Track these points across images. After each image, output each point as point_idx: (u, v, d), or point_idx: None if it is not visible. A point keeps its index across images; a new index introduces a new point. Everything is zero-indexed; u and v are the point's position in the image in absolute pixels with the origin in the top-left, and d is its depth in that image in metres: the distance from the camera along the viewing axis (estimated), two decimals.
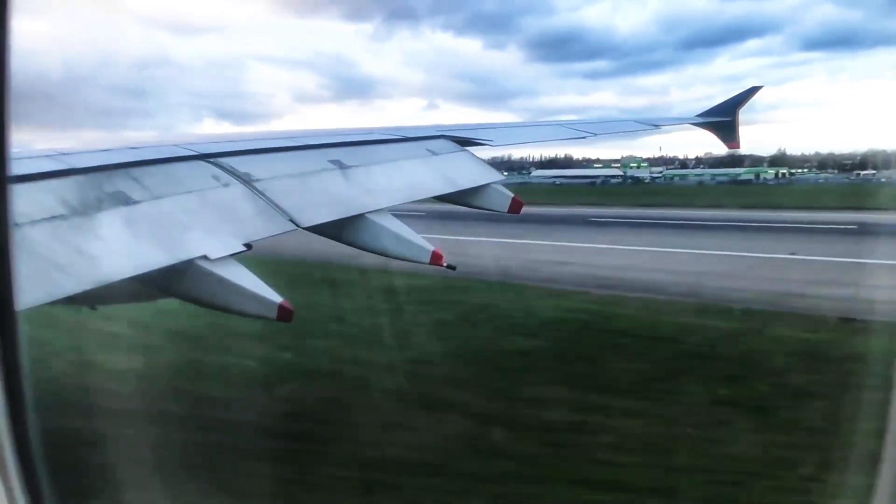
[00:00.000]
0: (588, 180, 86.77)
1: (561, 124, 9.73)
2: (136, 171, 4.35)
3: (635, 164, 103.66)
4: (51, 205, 3.59)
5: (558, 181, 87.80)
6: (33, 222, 3.37)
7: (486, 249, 21.51)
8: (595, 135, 9.73)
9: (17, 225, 2.89)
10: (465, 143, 7.33)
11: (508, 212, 6.66)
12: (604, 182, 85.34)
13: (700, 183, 78.73)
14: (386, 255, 5.57)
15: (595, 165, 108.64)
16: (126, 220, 3.95)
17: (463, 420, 8.09)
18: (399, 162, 6.53)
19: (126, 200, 4.05)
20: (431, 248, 5.43)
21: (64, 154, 4.18)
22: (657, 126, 11.36)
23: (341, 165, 5.80)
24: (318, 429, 7.94)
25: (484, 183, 6.71)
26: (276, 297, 4.10)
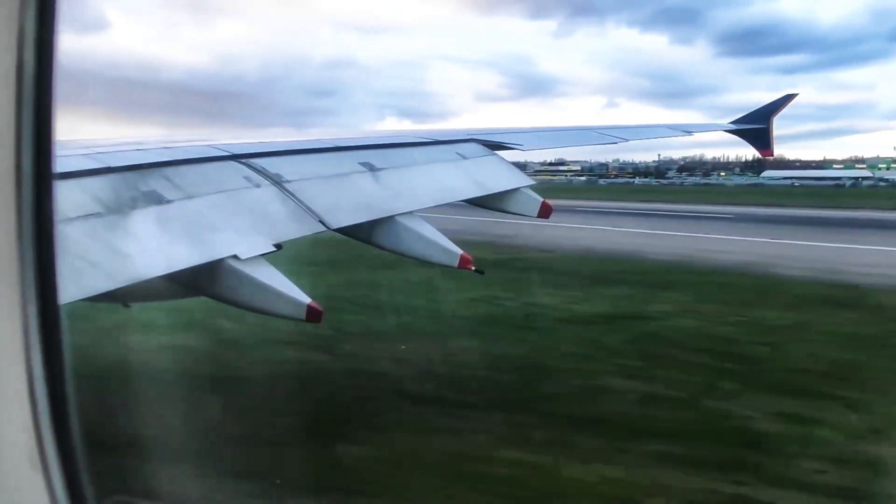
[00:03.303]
0: (832, 182, 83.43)
1: (592, 129, 9.62)
2: (170, 171, 4.39)
3: (884, 166, 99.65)
4: (86, 203, 3.63)
5: (796, 183, 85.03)
6: (69, 220, 3.41)
7: None
8: (626, 140, 9.63)
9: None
10: (495, 147, 7.29)
11: (538, 216, 6.59)
12: (854, 184, 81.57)
13: None
14: (414, 258, 5.56)
15: (834, 166, 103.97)
16: (158, 219, 3.99)
17: None
18: (429, 165, 6.51)
19: (159, 200, 4.09)
20: (460, 251, 5.40)
21: (100, 152, 4.23)
22: (689, 133, 11.23)
23: (371, 168, 5.80)
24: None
25: (513, 187, 6.66)
26: (305, 298, 4.10)
